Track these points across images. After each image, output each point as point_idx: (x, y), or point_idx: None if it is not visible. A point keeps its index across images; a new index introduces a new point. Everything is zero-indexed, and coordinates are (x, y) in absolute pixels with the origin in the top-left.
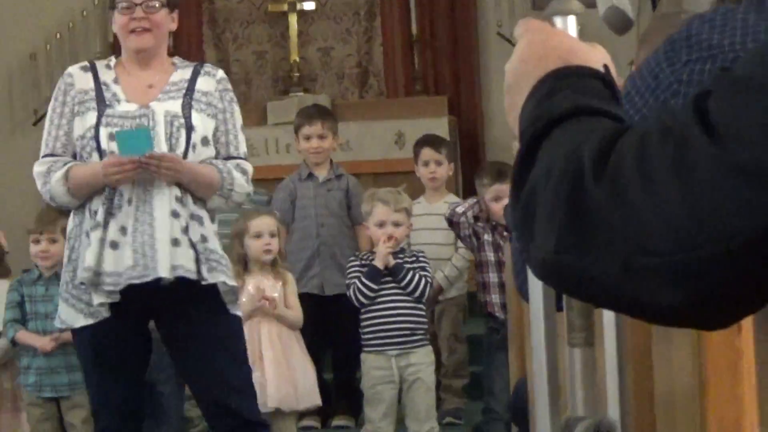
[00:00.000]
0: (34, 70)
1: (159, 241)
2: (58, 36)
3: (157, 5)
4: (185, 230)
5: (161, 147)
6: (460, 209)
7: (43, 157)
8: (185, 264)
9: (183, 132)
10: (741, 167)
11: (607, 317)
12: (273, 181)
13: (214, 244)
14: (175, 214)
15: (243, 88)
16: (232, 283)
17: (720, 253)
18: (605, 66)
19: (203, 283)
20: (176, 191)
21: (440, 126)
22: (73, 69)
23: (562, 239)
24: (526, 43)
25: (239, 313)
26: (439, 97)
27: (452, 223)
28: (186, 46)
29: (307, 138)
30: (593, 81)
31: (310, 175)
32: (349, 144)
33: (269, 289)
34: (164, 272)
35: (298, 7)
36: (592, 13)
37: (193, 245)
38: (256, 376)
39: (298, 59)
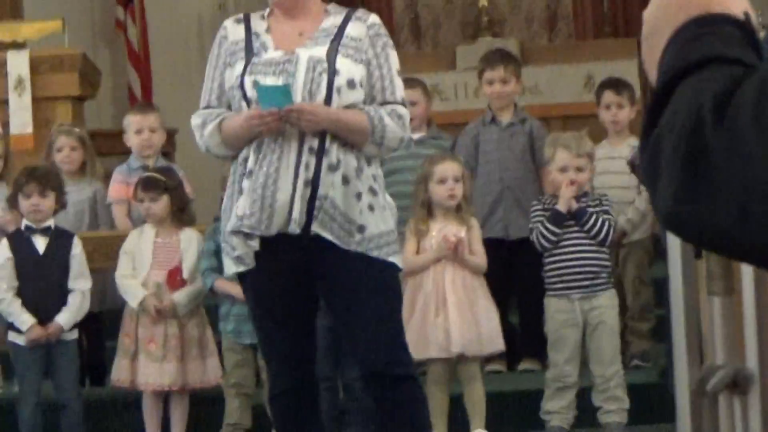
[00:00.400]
0: (223, 19)
1: (281, 195)
2: None
3: None
4: (312, 182)
5: (297, 94)
6: None
7: (201, 109)
8: (299, 218)
9: (325, 77)
10: None
11: (746, 266)
12: (462, 126)
13: (362, 189)
14: (306, 167)
15: (432, 33)
16: (372, 231)
17: None
18: (746, 13)
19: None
20: (312, 142)
21: (630, 68)
22: (228, 22)
23: (681, 188)
24: None
25: (391, 258)
26: (628, 39)
27: (634, 167)
28: None
29: (490, 82)
30: (733, 29)
31: (494, 120)
32: (539, 87)
33: (451, 231)
34: (277, 228)
35: None
36: None
37: (313, 198)
38: (439, 321)
39: (486, 3)
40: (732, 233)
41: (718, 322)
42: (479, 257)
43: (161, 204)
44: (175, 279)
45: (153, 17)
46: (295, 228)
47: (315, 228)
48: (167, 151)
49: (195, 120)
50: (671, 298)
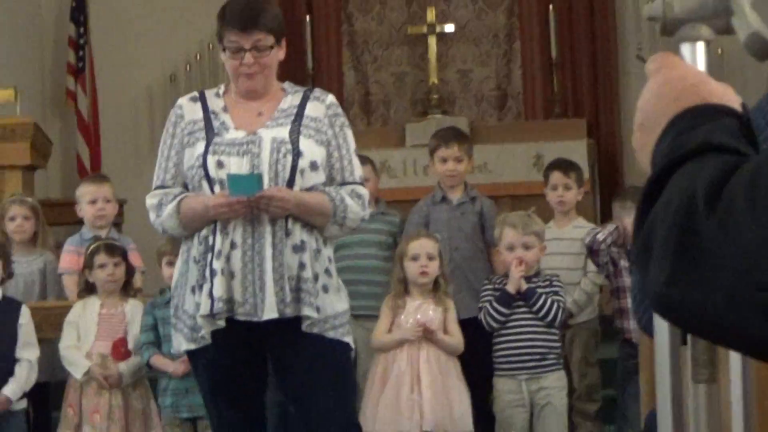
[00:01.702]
0: (174, 91)
1: (267, 283)
2: (198, 57)
3: (266, 48)
4: (287, 265)
5: (264, 176)
6: (600, 236)
7: (154, 189)
8: (283, 302)
9: (289, 158)
10: None
11: (734, 354)
12: (411, 203)
13: (320, 270)
14: (281, 250)
15: (382, 110)
16: (327, 313)
17: None
18: (743, 104)
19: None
20: (284, 224)
21: (579, 149)
22: (183, 100)
23: (672, 272)
24: (663, 80)
25: (345, 339)
26: (578, 120)
27: (592, 251)
28: (326, 67)
29: (443, 160)
30: (731, 119)
31: (444, 198)
32: (488, 166)
33: (425, 315)
34: (268, 315)
35: (438, 29)
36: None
37: (294, 278)
38: (414, 397)
39: (437, 81)
40: (721, 320)
41: (704, 410)
42: (455, 338)
43: (122, 270)
44: (119, 350)
45: (103, 88)
46: (287, 312)
47: (305, 311)
48: (117, 221)
49: (150, 200)
50: (657, 385)
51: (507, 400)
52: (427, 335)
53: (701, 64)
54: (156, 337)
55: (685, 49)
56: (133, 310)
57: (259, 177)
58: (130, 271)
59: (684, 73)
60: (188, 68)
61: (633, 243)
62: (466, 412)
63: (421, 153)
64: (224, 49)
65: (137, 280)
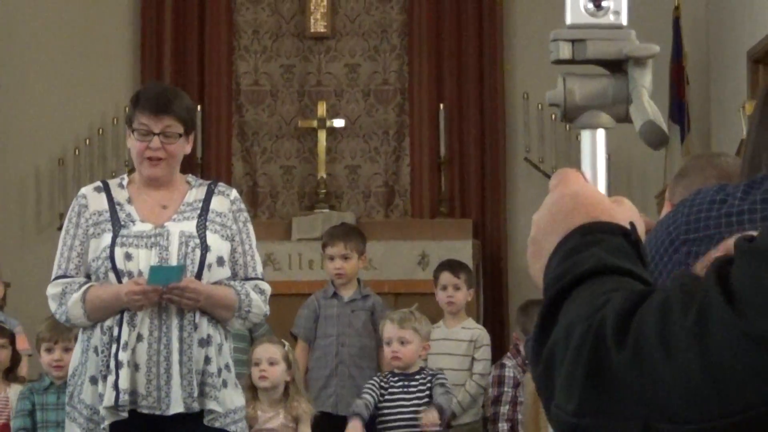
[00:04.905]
0: (62, 175)
1: (173, 377)
2: (87, 142)
3: (175, 136)
4: (195, 359)
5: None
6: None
7: (55, 278)
8: (191, 396)
9: (198, 252)
10: (758, 337)
11: None
12: (296, 297)
13: (222, 365)
14: (189, 344)
15: (269, 202)
16: (228, 407)
17: (741, 423)
18: (631, 223)
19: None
20: (192, 318)
21: (464, 249)
22: (87, 190)
23: (582, 402)
24: (557, 195)
25: None
26: (464, 220)
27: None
28: (215, 156)
29: (331, 258)
30: (619, 239)
31: (335, 294)
32: (373, 263)
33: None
34: (174, 409)
35: (328, 123)
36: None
37: (200, 372)
38: None
39: (325, 175)
40: None
41: None
42: None
43: (7, 353)
44: None
45: None
46: (194, 406)
47: (209, 405)
48: (0, 304)
49: (52, 289)
50: None
51: None
52: None
53: (601, 151)
54: (32, 423)
55: (586, 135)
56: (17, 395)
57: (182, 268)
58: (15, 355)
59: (578, 190)
60: (77, 152)
61: (532, 368)
62: None
63: (306, 247)
64: (133, 132)
65: (23, 366)
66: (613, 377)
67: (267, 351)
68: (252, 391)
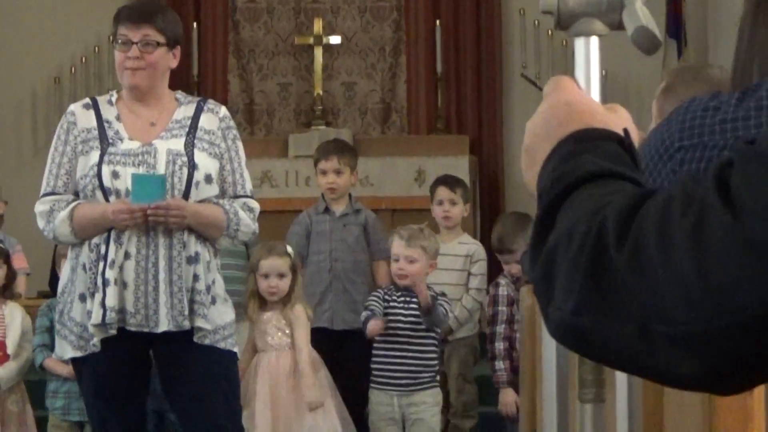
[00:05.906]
0: (59, 93)
1: (161, 295)
2: (83, 60)
3: (153, 44)
4: (185, 277)
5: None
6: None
7: (43, 195)
8: (181, 314)
9: (185, 170)
10: (755, 242)
11: (619, 374)
12: (292, 213)
13: (210, 282)
14: (179, 263)
15: (265, 119)
16: (218, 323)
17: (734, 325)
18: (625, 130)
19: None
20: (180, 236)
21: (461, 165)
22: (75, 107)
23: (581, 302)
24: (551, 103)
25: (234, 348)
26: (460, 136)
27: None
28: (211, 74)
29: (324, 173)
30: (613, 144)
31: (327, 209)
32: (369, 179)
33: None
34: (163, 327)
35: (324, 40)
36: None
37: (189, 290)
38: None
39: (321, 92)
40: (630, 350)
41: (590, 429)
42: (303, 355)
43: (2, 271)
44: None
45: None
46: (184, 324)
47: (198, 323)
48: None
49: (40, 206)
50: (543, 405)
51: (380, 412)
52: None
53: (594, 59)
54: (51, 339)
55: (579, 43)
56: (12, 312)
57: (163, 179)
58: (11, 273)
59: (571, 98)
60: (73, 71)
61: (530, 272)
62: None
63: (303, 164)
64: (116, 41)
65: (20, 283)
66: (613, 278)
67: (276, 265)
68: (256, 297)
